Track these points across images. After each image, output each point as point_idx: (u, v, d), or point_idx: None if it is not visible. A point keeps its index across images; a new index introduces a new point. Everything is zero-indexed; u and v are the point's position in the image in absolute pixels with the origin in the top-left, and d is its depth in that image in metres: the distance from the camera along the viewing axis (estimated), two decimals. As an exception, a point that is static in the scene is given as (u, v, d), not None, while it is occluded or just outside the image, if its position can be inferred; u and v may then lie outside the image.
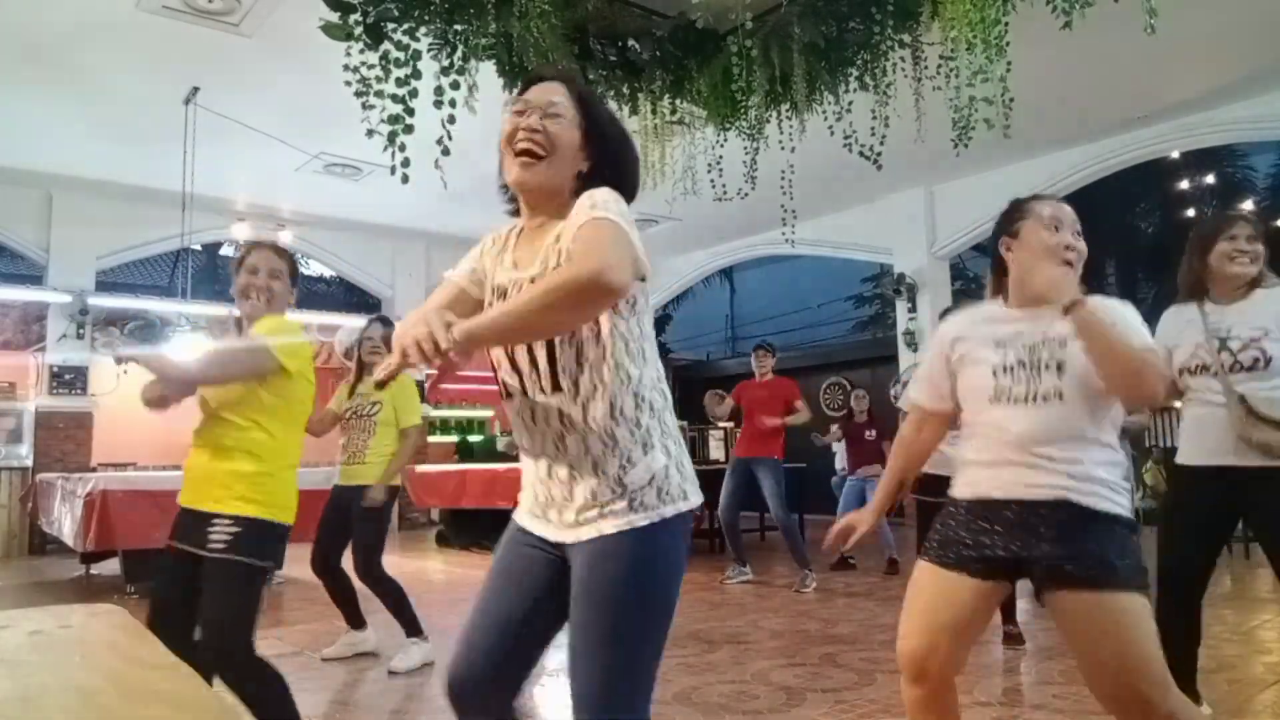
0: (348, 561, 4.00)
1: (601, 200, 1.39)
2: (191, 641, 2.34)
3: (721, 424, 8.68)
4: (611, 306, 1.39)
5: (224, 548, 2.25)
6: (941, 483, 4.23)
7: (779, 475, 6.11)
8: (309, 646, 4.09)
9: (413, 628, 3.90)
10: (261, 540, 2.30)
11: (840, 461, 11.31)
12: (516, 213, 1.60)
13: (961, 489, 1.93)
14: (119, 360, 2.20)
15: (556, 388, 1.42)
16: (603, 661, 1.38)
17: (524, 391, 1.46)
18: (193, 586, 2.30)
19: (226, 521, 2.26)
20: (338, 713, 3.25)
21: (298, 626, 4.53)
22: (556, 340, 1.40)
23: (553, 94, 1.50)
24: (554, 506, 1.47)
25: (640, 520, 1.40)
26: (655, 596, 1.43)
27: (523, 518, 1.55)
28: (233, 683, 2.27)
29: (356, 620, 4.06)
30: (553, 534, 1.48)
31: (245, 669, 2.27)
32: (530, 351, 1.42)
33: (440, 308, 1.33)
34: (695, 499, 1.48)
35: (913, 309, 9.39)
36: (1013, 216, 1.98)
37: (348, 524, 3.96)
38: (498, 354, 1.48)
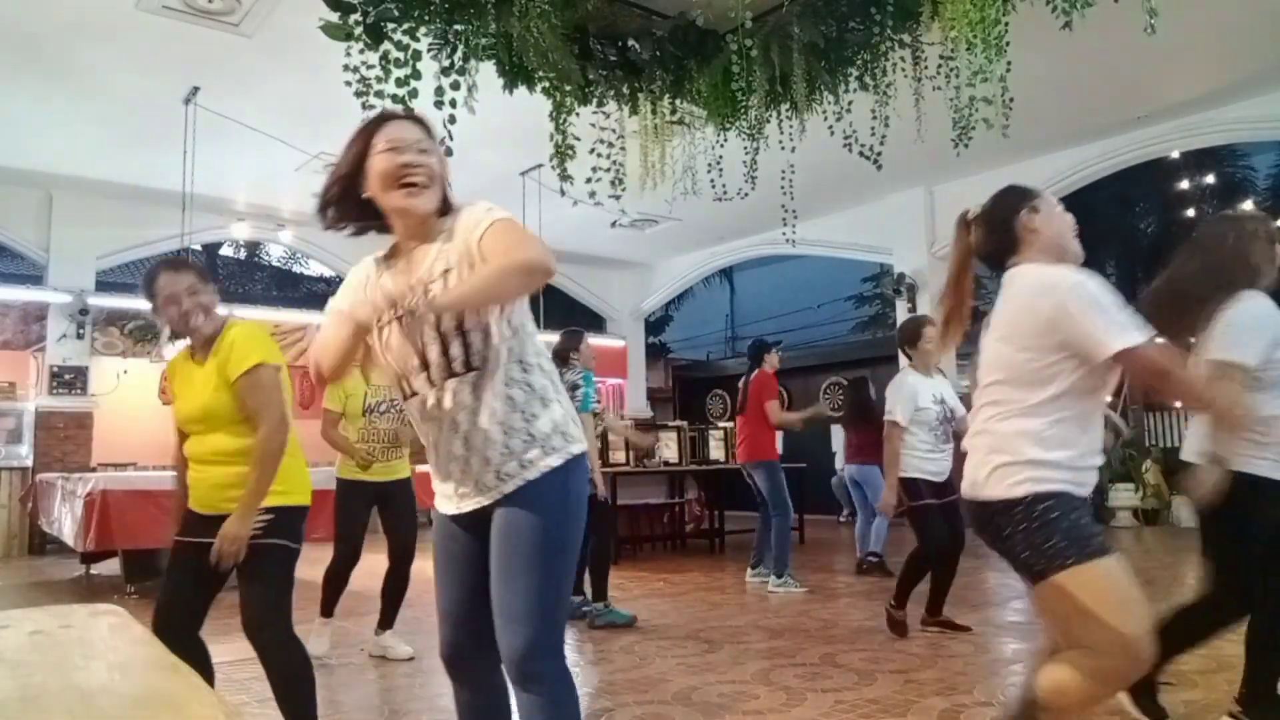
0: (369, 560, 4.04)
1: (492, 205, 1.66)
2: (197, 638, 2.41)
3: (721, 424, 8.69)
4: None
5: (260, 534, 2.34)
6: (920, 486, 4.23)
7: None
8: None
9: (388, 622, 4.01)
10: (290, 524, 2.42)
11: (841, 462, 11.33)
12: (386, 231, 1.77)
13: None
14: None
15: (470, 367, 1.64)
16: (533, 584, 1.61)
17: (431, 383, 1.66)
18: (204, 579, 2.38)
19: (259, 512, 2.35)
20: (337, 713, 3.25)
21: (297, 626, 4.52)
22: (467, 326, 1.62)
23: (415, 132, 1.70)
24: (471, 477, 1.68)
25: (555, 460, 1.66)
26: (568, 527, 1.68)
27: (445, 506, 1.77)
28: (272, 662, 2.37)
29: (330, 609, 4.05)
30: (471, 505, 1.69)
31: (285, 647, 2.38)
32: (444, 342, 1.63)
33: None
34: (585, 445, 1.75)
35: (913, 309, 9.39)
36: (1028, 194, 2.07)
37: (370, 518, 4.01)
38: (403, 356, 1.68)
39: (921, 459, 4.26)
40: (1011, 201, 2.07)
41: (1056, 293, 1.85)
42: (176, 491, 2.56)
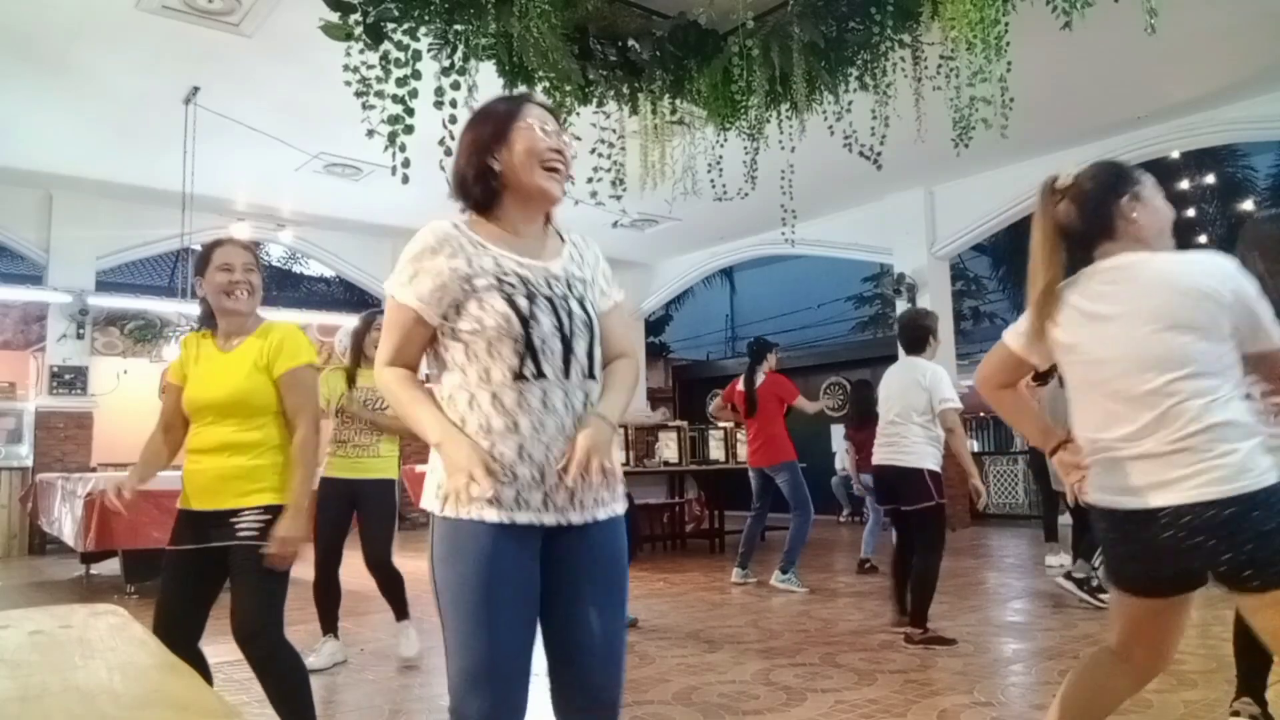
0: (354, 559, 4.03)
1: (611, 275, 1.74)
2: (197, 648, 2.38)
3: (721, 424, 8.69)
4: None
5: (256, 535, 2.30)
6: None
7: None
8: (308, 646, 4.09)
9: (403, 613, 4.06)
10: None
11: (840, 462, 11.32)
12: (483, 209, 1.66)
13: None
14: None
15: (591, 376, 1.60)
16: (619, 619, 1.61)
17: (566, 375, 1.56)
18: (207, 587, 2.36)
19: (256, 512, 2.32)
20: (337, 713, 3.25)
21: (297, 627, 4.51)
22: (594, 336, 1.61)
23: (556, 125, 1.68)
24: (565, 491, 1.52)
25: (624, 504, 1.66)
26: None
27: (510, 513, 1.50)
28: (266, 667, 2.34)
29: (333, 624, 4.02)
30: (580, 518, 1.55)
31: (279, 653, 2.34)
32: (591, 343, 1.60)
33: (594, 435, 1.52)
34: None
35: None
36: (1131, 178, 1.91)
37: (349, 519, 3.98)
38: (546, 334, 1.54)
39: (940, 452, 4.21)
40: (1113, 183, 1.89)
41: (1232, 279, 1.72)
42: (132, 476, 2.47)
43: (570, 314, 1.57)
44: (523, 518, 1.50)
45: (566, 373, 1.55)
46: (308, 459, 2.38)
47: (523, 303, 1.53)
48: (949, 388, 4.19)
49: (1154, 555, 1.72)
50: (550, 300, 1.56)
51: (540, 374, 1.52)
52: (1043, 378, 5.23)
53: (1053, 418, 5.47)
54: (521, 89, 4.75)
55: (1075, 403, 1.88)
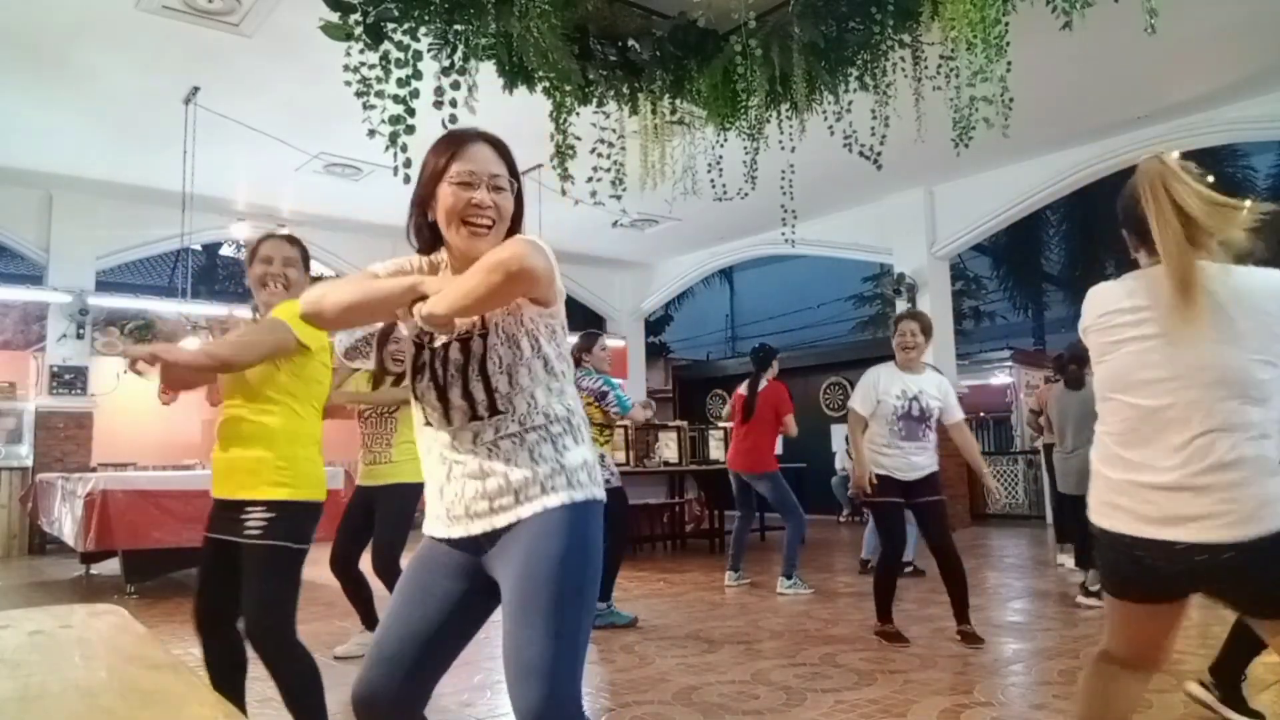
0: (365, 563, 4.03)
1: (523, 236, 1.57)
2: (234, 629, 2.41)
3: (721, 424, 8.69)
4: (540, 327, 1.57)
5: (259, 534, 2.29)
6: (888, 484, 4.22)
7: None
8: (312, 646, 4.08)
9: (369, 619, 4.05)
10: (294, 522, 2.34)
11: (840, 462, 11.33)
12: (431, 251, 1.68)
13: None
14: (128, 360, 2.23)
15: (497, 412, 1.54)
16: (551, 628, 1.44)
17: (449, 421, 1.57)
18: (233, 574, 2.36)
19: (259, 508, 2.31)
20: (344, 712, 3.24)
21: (302, 626, 4.50)
22: (491, 371, 1.54)
23: (493, 164, 1.60)
24: (485, 498, 1.54)
25: (579, 495, 1.54)
26: (591, 568, 1.53)
27: (436, 528, 1.62)
28: (274, 667, 2.34)
29: (371, 620, 4.07)
30: (482, 527, 1.54)
31: (286, 652, 2.34)
32: (466, 388, 1.54)
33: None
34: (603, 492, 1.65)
35: (913, 308, 9.40)
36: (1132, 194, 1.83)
37: (369, 525, 3.99)
38: (423, 388, 1.59)
39: (877, 452, 4.25)
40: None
41: None
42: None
43: (446, 361, 1.56)
44: (437, 532, 1.61)
45: (448, 420, 1.56)
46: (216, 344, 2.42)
47: (415, 358, 1.62)
48: (856, 390, 4.34)
49: (1162, 579, 1.69)
50: (433, 352, 1.58)
51: (427, 423, 1.61)
52: (1070, 380, 5.23)
53: (1060, 419, 5.42)
54: (518, 90, 4.75)
55: (1100, 404, 1.83)
